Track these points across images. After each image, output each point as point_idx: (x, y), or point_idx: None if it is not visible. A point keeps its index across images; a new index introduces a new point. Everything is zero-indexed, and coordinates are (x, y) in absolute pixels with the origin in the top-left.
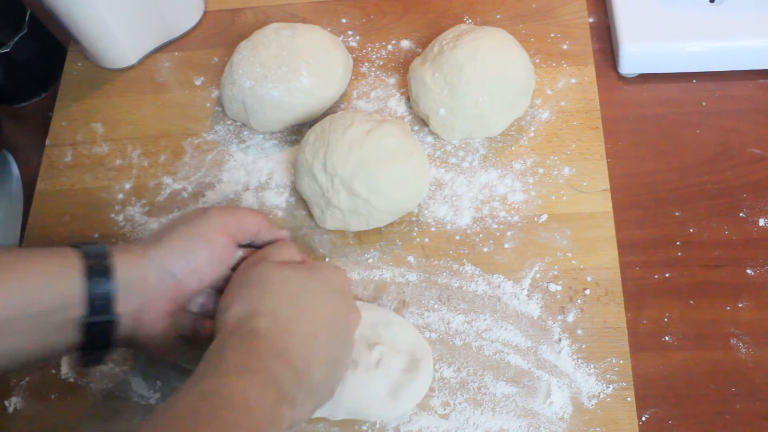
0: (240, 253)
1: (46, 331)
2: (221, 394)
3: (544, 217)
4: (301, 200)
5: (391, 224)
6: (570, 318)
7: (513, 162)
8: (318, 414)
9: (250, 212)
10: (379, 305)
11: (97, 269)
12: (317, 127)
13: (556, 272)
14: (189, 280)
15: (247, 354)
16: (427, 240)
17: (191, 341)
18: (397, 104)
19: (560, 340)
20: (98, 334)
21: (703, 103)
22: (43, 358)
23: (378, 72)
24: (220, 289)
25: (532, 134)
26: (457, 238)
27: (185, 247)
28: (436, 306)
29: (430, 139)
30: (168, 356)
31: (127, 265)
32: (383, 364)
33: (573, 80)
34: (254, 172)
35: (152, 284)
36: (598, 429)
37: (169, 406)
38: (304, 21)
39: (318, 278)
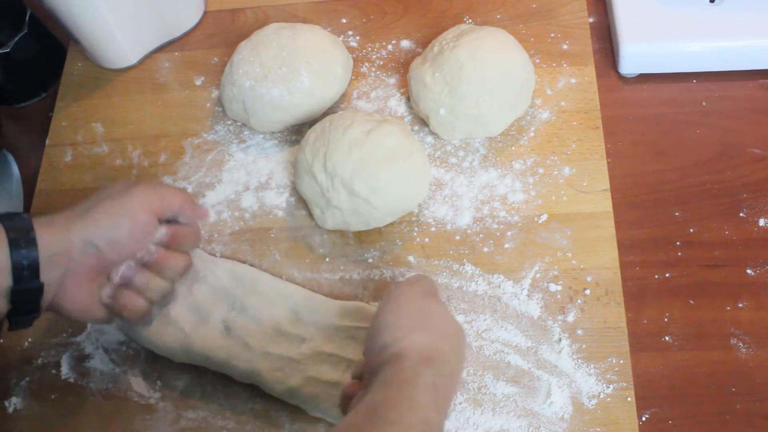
0: (163, 229)
1: None
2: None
3: (544, 217)
4: (301, 200)
5: (391, 224)
6: (570, 318)
7: (513, 162)
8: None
9: (173, 190)
10: None
11: (22, 242)
12: (317, 127)
13: (556, 272)
14: (111, 251)
15: (435, 387)
16: (427, 240)
17: (110, 307)
18: (397, 104)
19: (560, 340)
20: (25, 301)
21: (703, 103)
22: None
23: (378, 72)
24: (138, 260)
25: (532, 134)
26: (457, 238)
27: (109, 222)
28: None
29: (430, 139)
30: (90, 320)
31: (51, 238)
32: None
33: (573, 80)
34: (254, 172)
35: (75, 256)
36: (598, 429)
37: (368, 406)
38: (304, 21)
39: (454, 319)
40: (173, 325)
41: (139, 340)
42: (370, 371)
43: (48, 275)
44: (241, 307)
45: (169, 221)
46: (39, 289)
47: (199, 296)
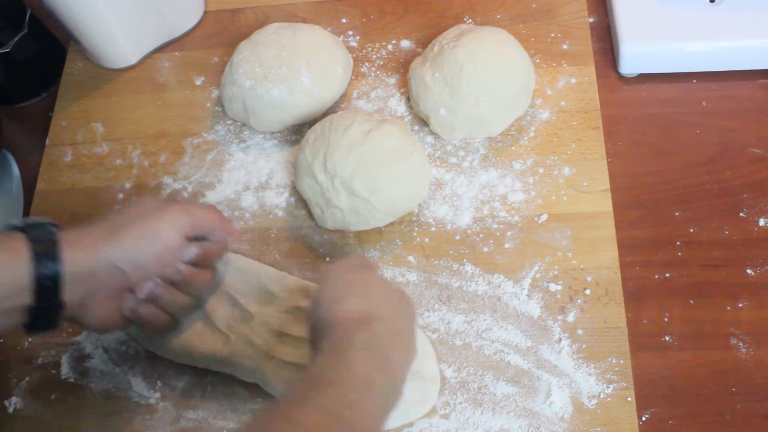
0: (193, 248)
1: None
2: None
3: (544, 217)
4: (301, 200)
5: (391, 224)
6: (570, 318)
7: (513, 162)
8: None
9: (205, 210)
10: None
11: (46, 258)
12: (317, 127)
13: (556, 272)
14: (137, 274)
15: (370, 346)
16: (427, 240)
17: (134, 319)
18: (397, 104)
19: (560, 340)
20: (44, 317)
21: (703, 103)
22: None
23: (378, 72)
24: (166, 277)
25: (532, 134)
26: (457, 238)
27: (137, 247)
28: (436, 306)
29: (430, 139)
30: (110, 331)
31: (77, 256)
32: None
33: (573, 80)
34: (254, 171)
35: (99, 276)
36: (598, 429)
37: (308, 374)
38: (304, 21)
39: (391, 285)
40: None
41: (145, 345)
42: (313, 348)
43: (70, 294)
44: (242, 307)
45: (198, 237)
46: (59, 306)
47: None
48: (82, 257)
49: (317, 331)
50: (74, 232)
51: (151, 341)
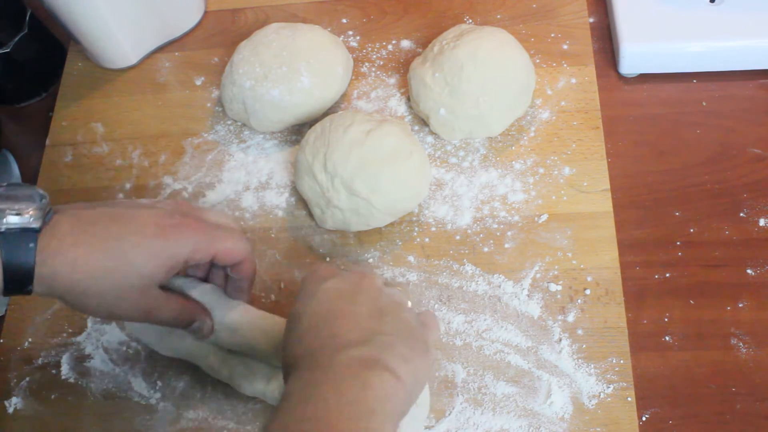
0: (173, 305)
1: None
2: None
3: (544, 217)
4: (301, 200)
5: (392, 224)
6: (570, 318)
7: (513, 162)
8: None
9: (228, 239)
10: None
11: (17, 266)
12: (317, 127)
13: (556, 272)
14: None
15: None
16: (427, 240)
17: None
18: (397, 104)
19: (560, 340)
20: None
21: (703, 103)
22: None
23: (378, 72)
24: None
25: (532, 134)
26: (458, 238)
27: (110, 304)
28: (436, 306)
29: (430, 139)
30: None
31: (50, 280)
32: None
33: (573, 80)
34: (254, 171)
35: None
36: (598, 429)
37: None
38: (304, 21)
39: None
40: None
41: (146, 343)
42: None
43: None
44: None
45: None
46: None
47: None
48: (56, 281)
49: (290, 366)
50: (51, 259)
51: (153, 340)
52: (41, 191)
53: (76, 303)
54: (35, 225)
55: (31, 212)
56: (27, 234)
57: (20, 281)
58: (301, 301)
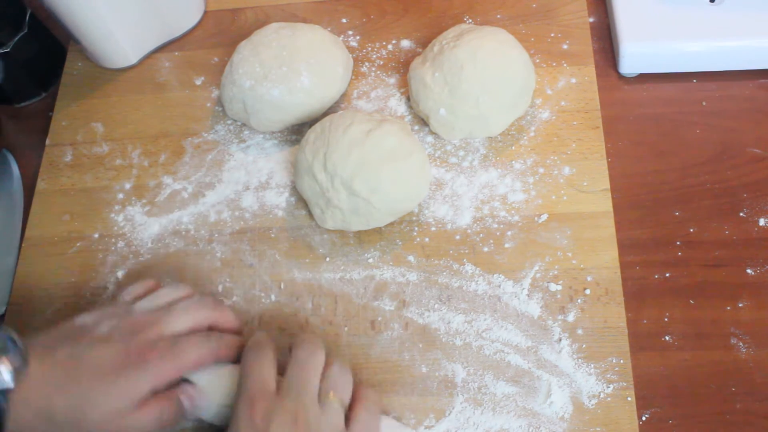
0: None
1: None
2: None
3: (544, 217)
4: (301, 200)
5: (391, 224)
6: (570, 318)
7: (513, 162)
8: None
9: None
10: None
11: None
12: (317, 126)
13: (556, 272)
14: None
15: None
16: (427, 240)
17: None
18: (397, 104)
19: (560, 339)
20: None
21: (703, 103)
22: None
23: (378, 72)
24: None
25: (532, 134)
26: (458, 237)
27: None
28: (436, 306)
29: (430, 138)
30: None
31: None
32: None
33: (573, 80)
34: (254, 171)
35: None
36: (598, 429)
37: None
38: (304, 21)
39: None
40: None
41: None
42: None
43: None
44: None
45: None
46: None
47: None
48: (32, 416)
49: None
50: (25, 387)
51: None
52: (13, 336)
53: None
54: (10, 385)
55: (5, 367)
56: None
57: None
58: None
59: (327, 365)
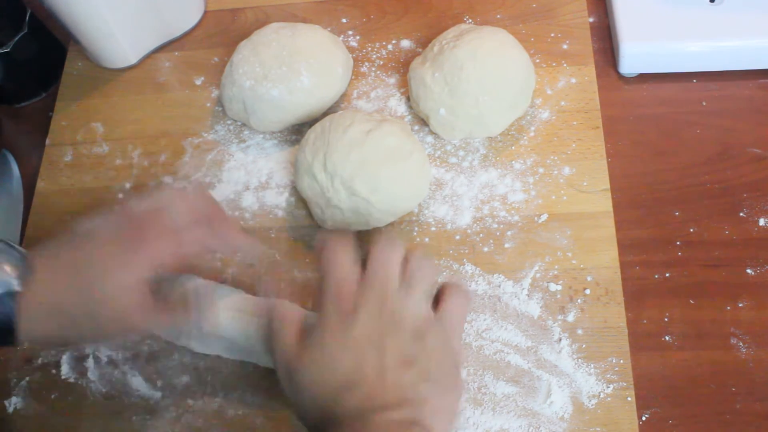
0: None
1: None
2: None
3: (544, 217)
4: (301, 200)
5: (391, 224)
6: (570, 318)
7: (513, 162)
8: None
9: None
10: None
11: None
12: (317, 126)
13: (556, 272)
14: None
15: None
16: (427, 240)
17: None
18: (397, 104)
19: (560, 339)
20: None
21: (703, 103)
22: None
23: (378, 72)
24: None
25: (532, 134)
26: (457, 237)
27: (94, 331)
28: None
29: (430, 138)
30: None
31: (35, 324)
32: None
33: (573, 80)
34: (254, 171)
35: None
36: (598, 429)
37: None
38: (304, 21)
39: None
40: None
41: (165, 336)
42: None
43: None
44: None
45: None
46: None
47: None
48: (42, 322)
49: (321, 419)
50: (33, 288)
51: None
52: (14, 245)
53: (71, 335)
54: (17, 288)
55: (9, 271)
56: (8, 295)
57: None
58: (328, 348)
59: (408, 258)
